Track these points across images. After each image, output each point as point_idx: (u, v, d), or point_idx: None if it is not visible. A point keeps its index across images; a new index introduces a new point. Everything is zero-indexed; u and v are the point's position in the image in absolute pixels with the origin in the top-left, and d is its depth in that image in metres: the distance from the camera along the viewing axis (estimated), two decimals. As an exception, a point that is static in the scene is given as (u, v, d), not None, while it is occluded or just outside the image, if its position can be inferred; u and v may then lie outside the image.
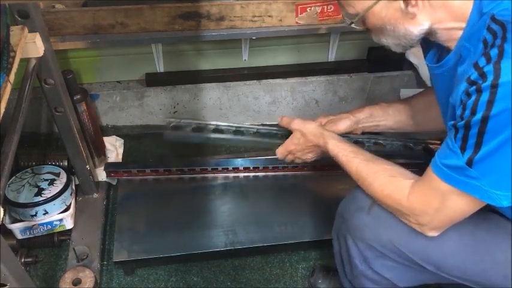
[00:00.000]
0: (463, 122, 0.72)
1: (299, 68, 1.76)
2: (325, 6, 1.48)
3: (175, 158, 1.70)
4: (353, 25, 0.86)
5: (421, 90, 1.68)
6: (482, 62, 0.70)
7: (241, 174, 1.52)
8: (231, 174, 1.51)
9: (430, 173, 0.81)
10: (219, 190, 1.47)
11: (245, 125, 1.27)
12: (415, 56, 1.71)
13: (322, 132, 1.07)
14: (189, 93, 1.71)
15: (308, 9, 1.47)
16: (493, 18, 0.72)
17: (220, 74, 1.71)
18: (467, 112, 0.71)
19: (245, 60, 1.71)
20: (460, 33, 0.78)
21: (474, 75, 0.71)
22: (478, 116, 0.70)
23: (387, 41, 0.85)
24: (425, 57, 0.94)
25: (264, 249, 1.36)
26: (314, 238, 1.35)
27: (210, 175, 1.51)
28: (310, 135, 1.09)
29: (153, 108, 1.73)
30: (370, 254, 0.95)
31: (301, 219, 1.39)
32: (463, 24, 0.77)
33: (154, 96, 1.70)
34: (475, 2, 0.75)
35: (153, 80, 1.68)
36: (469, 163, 0.73)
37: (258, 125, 1.30)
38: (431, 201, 0.82)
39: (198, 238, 1.33)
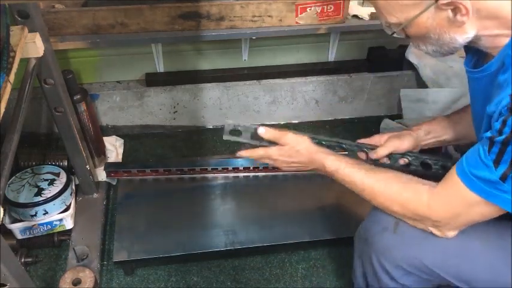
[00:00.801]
0: (501, 138, 0.71)
1: (299, 68, 1.76)
2: (325, 6, 1.48)
3: (175, 158, 1.70)
4: (395, 35, 0.84)
5: (419, 89, 1.67)
6: None
7: (241, 174, 1.52)
8: (231, 174, 1.51)
9: (455, 179, 0.80)
10: (219, 190, 1.47)
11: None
12: (415, 56, 1.72)
13: (318, 149, 1.02)
14: (189, 93, 1.71)
15: (308, 9, 1.47)
16: None
17: (220, 74, 1.71)
18: (508, 129, 0.70)
19: (245, 60, 1.71)
20: (505, 40, 0.76)
21: None
22: None
23: (427, 48, 0.83)
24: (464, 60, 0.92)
25: (264, 249, 1.36)
26: (314, 238, 1.35)
27: (210, 175, 1.51)
28: (305, 152, 1.02)
29: (153, 108, 1.73)
30: (397, 273, 0.94)
31: (301, 219, 1.38)
32: (510, 32, 0.75)
33: (154, 96, 1.70)
34: None
35: (153, 80, 1.68)
36: (503, 178, 0.73)
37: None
38: (455, 208, 0.82)
39: (198, 238, 1.33)
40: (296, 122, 1.86)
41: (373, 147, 1.12)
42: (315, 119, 1.86)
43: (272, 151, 1.04)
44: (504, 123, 0.71)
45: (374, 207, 0.98)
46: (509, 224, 0.89)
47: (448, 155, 1.49)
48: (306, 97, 1.80)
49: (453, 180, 0.81)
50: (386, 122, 1.75)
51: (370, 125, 1.82)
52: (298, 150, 1.03)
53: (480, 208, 0.79)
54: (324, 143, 1.09)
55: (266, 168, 1.51)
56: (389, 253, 0.93)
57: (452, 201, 0.82)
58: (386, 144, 1.11)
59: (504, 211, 0.78)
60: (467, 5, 0.72)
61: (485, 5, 0.74)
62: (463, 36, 0.78)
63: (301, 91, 1.78)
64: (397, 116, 1.82)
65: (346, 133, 1.82)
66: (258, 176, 1.52)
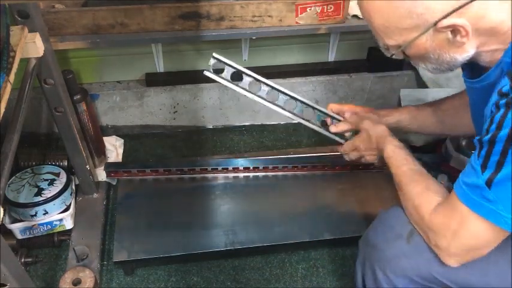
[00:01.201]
0: (488, 137, 0.70)
1: (299, 68, 1.76)
2: (325, 6, 1.48)
3: (175, 158, 1.70)
4: (393, 56, 0.83)
5: (419, 89, 1.67)
6: None
7: (241, 174, 1.52)
8: (231, 174, 1.51)
9: (452, 192, 0.80)
10: (219, 190, 1.47)
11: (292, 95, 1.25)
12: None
13: (387, 136, 1.05)
14: (189, 93, 1.71)
15: (308, 9, 1.47)
16: None
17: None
18: (493, 126, 0.69)
19: (245, 60, 1.71)
20: (503, 52, 0.76)
21: (506, 87, 0.68)
22: (504, 132, 0.67)
23: (426, 66, 0.83)
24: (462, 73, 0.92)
25: (264, 249, 1.36)
26: (314, 238, 1.35)
27: (210, 175, 1.51)
28: (376, 137, 1.07)
29: (153, 108, 1.73)
30: (400, 282, 0.92)
31: (301, 219, 1.38)
32: (507, 46, 0.75)
33: (154, 96, 1.70)
34: None
35: (153, 80, 1.68)
36: (489, 183, 0.71)
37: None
38: (450, 223, 0.80)
39: (198, 238, 1.33)
40: (296, 122, 1.85)
41: (339, 120, 1.18)
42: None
43: (355, 139, 1.11)
44: (492, 120, 0.70)
45: (386, 212, 0.97)
46: None
47: (448, 155, 1.49)
48: (306, 97, 1.79)
49: (451, 195, 0.80)
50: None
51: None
52: (370, 135, 1.08)
53: (473, 224, 0.76)
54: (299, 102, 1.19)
55: (266, 168, 1.51)
56: (398, 262, 0.91)
57: (447, 214, 0.80)
58: (348, 120, 1.16)
59: (502, 233, 0.75)
60: (466, 27, 0.72)
61: (484, 24, 0.73)
62: (463, 55, 0.77)
63: (301, 91, 1.77)
64: (397, 116, 1.82)
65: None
66: (258, 176, 1.52)
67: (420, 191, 0.89)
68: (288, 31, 1.51)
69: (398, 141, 1.05)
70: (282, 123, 1.85)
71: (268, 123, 1.84)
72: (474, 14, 0.71)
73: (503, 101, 0.68)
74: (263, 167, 1.51)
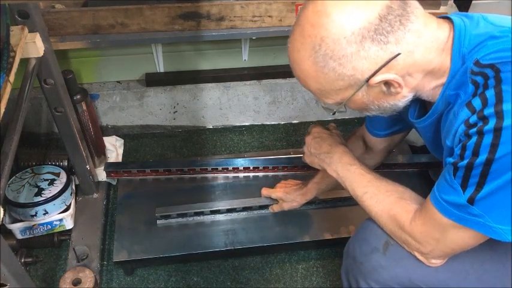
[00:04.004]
0: (464, 162, 0.72)
1: (299, 68, 1.75)
2: (325, 6, 1.48)
3: (175, 158, 1.70)
4: (336, 114, 0.85)
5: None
6: (477, 104, 0.70)
7: (241, 174, 1.52)
8: (231, 174, 1.51)
9: (429, 204, 0.81)
10: (219, 190, 1.47)
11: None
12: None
13: (341, 143, 1.09)
14: (189, 93, 1.71)
15: (308, 9, 1.47)
16: (478, 63, 0.72)
17: (220, 74, 1.71)
18: (468, 153, 0.71)
19: (245, 60, 1.71)
20: (442, 87, 0.78)
21: (473, 118, 0.70)
22: (482, 158, 0.69)
23: (371, 113, 0.84)
24: (406, 115, 0.93)
25: (264, 249, 1.36)
26: (314, 238, 1.35)
27: (210, 175, 1.51)
28: (328, 141, 1.08)
29: (153, 108, 1.73)
30: None
31: (301, 219, 1.39)
32: (445, 79, 0.77)
33: (154, 96, 1.70)
34: (454, 52, 0.75)
35: (153, 80, 1.68)
36: (471, 201, 0.72)
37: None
38: (432, 232, 0.82)
39: (198, 238, 1.33)
40: (296, 122, 1.86)
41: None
42: (315, 119, 1.86)
43: (307, 140, 1.12)
44: (464, 147, 0.72)
45: (362, 224, 0.97)
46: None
47: None
48: (306, 97, 1.80)
49: (427, 204, 0.81)
50: None
51: (370, 125, 1.83)
52: (322, 137, 1.09)
53: (456, 233, 0.78)
54: None
55: (266, 168, 1.51)
56: (378, 274, 0.92)
57: (427, 224, 0.82)
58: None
59: (485, 237, 0.77)
60: (397, 79, 0.74)
61: (416, 68, 0.75)
62: (403, 100, 0.79)
63: (301, 91, 1.78)
64: (397, 116, 1.83)
65: (346, 133, 1.82)
66: (258, 176, 1.52)
67: (394, 200, 0.89)
68: (288, 31, 1.49)
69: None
70: (282, 123, 1.85)
71: (268, 123, 1.84)
72: (402, 65, 0.73)
73: (473, 130, 0.70)
74: (263, 167, 1.51)
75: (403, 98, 0.79)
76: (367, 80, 0.74)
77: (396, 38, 0.71)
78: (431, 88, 0.79)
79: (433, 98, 0.81)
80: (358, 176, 0.97)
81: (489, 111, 0.68)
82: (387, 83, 0.75)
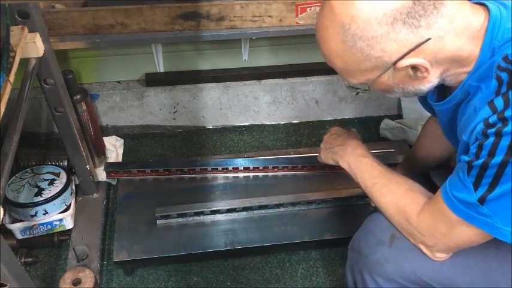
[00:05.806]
0: (479, 162, 0.72)
1: (299, 68, 1.75)
2: (325, 6, 1.48)
3: (175, 158, 1.70)
4: (359, 93, 0.85)
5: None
6: (499, 104, 0.69)
7: (241, 174, 1.52)
8: (231, 174, 1.51)
9: (439, 198, 0.81)
10: (219, 190, 1.47)
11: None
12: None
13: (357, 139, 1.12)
14: (189, 93, 1.71)
15: (308, 9, 1.47)
16: (507, 59, 0.70)
17: (220, 74, 1.71)
18: (484, 152, 0.71)
19: (245, 60, 1.71)
20: (466, 76, 0.77)
21: (493, 118, 0.70)
22: (498, 159, 0.69)
23: (394, 96, 0.85)
24: (426, 97, 0.93)
25: (264, 249, 1.36)
26: (314, 238, 1.35)
27: (210, 175, 1.51)
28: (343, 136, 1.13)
29: (153, 108, 1.73)
30: (388, 286, 0.94)
31: (301, 219, 1.39)
32: (470, 68, 0.76)
33: (154, 96, 1.70)
34: (484, 42, 0.73)
35: (153, 80, 1.68)
36: (481, 201, 0.73)
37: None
38: (438, 226, 0.82)
39: (198, 238, 1.33)
40: (296, 122, 1.86)
41: None
42: (315, 119, 1.86)
43: (324, 137, 1.17)
44: (480, 147, 0.72)
45: (368, 218, 0.98)
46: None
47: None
48: (306, 97, 1.80)
49: (438, 198, 0.82)
50: (386, 122, 1.75)
51: (370, 125, 1.83)
52: (338, 133, 1.14)
53: (463, 230, 0.79)
54: None
55: (266, 168, 1.51)
56: (383, 267, 0.92)
57: (435, 218, 0.82)
58: None
59: (491, 236, 0.77)
60: (425, 64, 0.73)
61: (444, 55, 0.74)
62: (428, 85, 0.79)
63: (301, 91, 1.78)
64: (397, 116, 1.83)
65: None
66: (258, 176, 1.52)
67: (403, 192, 0.90)
68: (288, 31, 1.51)
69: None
70: (282, 123, 1.85)
71: (268, 123, 1.84)
72: (431, 50, 0.72)
73: (491, 130, 0.70)
74: (263, 167, 1.51)
75: (428, 83, 0.78)
76: (395, 63, 0.73)
77: (428, 23, 0.70)
78: (456, 73, 0.78)
79: (454, 84, 0.80)
80: (369, 168, 0.98)
81: (510, 113, 0.68)
82: (414, 67, 0.74)
